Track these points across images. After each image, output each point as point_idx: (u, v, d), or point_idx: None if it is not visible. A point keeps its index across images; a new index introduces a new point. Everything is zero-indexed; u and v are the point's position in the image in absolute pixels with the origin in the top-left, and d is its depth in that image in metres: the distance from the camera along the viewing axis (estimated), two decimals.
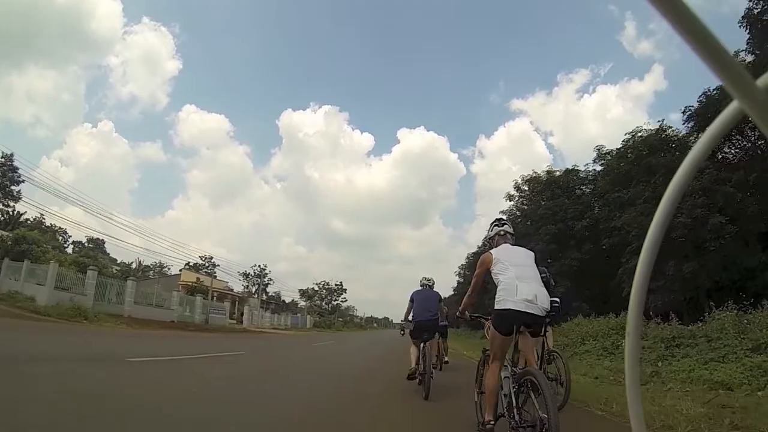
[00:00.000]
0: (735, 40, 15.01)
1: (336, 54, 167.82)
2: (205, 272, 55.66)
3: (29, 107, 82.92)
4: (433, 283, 6.61)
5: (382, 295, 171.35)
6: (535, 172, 26.16)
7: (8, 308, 13.29)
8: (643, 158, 17.23)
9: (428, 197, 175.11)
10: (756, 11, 14.61)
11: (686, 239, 14.09)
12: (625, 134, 19.60)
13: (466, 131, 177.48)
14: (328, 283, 74.82)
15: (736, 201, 14.51)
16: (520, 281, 3.20)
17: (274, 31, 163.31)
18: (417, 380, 5.67)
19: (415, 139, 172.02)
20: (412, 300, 6.27)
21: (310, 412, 4.41)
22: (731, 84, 0.35)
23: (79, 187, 71.26)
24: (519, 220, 25.43)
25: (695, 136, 16.20)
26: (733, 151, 16.63)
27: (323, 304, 72.54)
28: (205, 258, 57.60)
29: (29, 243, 21.42)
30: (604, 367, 9.35)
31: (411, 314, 6.16)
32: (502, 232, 3.76)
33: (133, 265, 50.41)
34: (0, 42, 59.02)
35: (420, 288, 6.48)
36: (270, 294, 62.82)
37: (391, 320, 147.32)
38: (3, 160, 26.80)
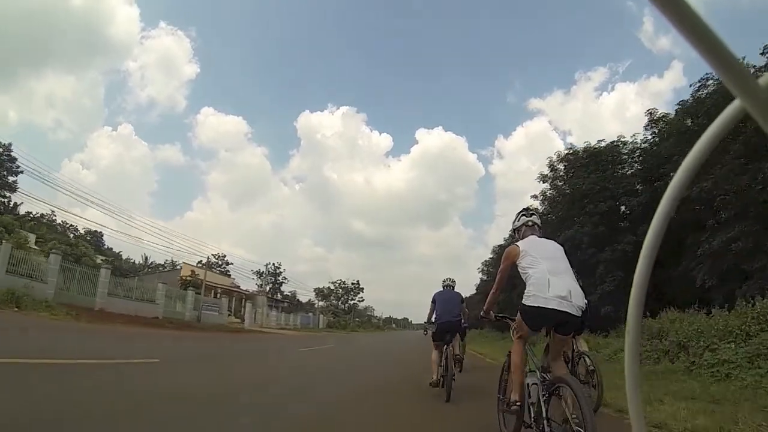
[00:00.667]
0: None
1: (353, 55, 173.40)
2: (219, 271, 55.71)
3: (50, 112, 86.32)
4: (455, 285, 6.68)
5: (401, 295, 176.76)
6: (572, 148, 22.06)
7: None
8: (722, 106, 13.01)
9: (447, 198, 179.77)
10: None
11: None
12: (691, 85, 16.35)
13: (485, 131, 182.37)
14: (344, 282, 73.95)
15: None
16: (552, 275, 2.99)
17: (292, 33, 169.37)
18: (440, 384, 5.58)
19: (433, 140, 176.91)
20: (434, 301, 6.37)
21: None
22: (733, 83, 0.35)
23: (99, 190, 71.56)
24: (558, 200, 23.48)
25: None
26: None
27: (339, 303, 68.72)
28: (219, 256, 57.24)
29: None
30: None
31: (434, 316, 6.23)
32: (530, 223, 3.52)
33: (138, 261, 47.67)
34: (19, 48, 60.96)
35: (442, 289, 6.55)
36: (285, 293, 62.79)
37: (411, 321, 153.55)
38: (0, 150, 24.89)
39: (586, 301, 3.43)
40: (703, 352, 7.77)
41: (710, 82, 14.98)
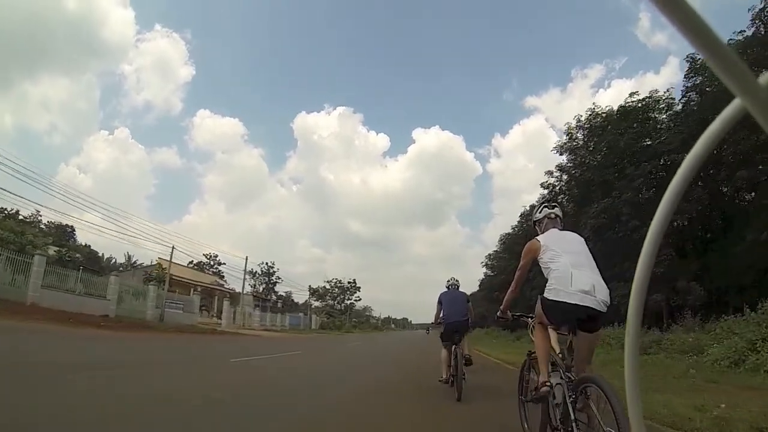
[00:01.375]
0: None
1: (349, 55, 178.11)
2: (212, 272, 54.87)
3: (45, 115, 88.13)
4: (459, 284, 6.90)
5: (399, 295, 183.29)
6: (596, 108, 18.66)
7: None
8: None
9: (444, 197, 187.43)
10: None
11: None
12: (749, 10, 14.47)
13: (482, 130, 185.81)
14: (340, 282, 69.36)
15: None
16: (575, 269, 2.89)
17: (287, 34, 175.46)
18: (450, 383, 5.99)
19: (430, 139, 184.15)
20: (440, 302, 6.54)
21: None
22: (733, 81, 0.36)
23: (97, 194, 69.44)
24: (579, 172, 21.69)
25: None
26: None
27: (335, 303, 65.21)
28: (210, 256, 56.59)
29: None
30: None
31: (441, 316, 6.42)
32: (552, 215, 3.41)
33: (121, 260, 49.19)
34: (14, 51, 60.98)
35: (446, 290, 6.77)
36: (280, 294, 62.22)
37: (410, 321, 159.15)
38: None
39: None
40: None
41: None
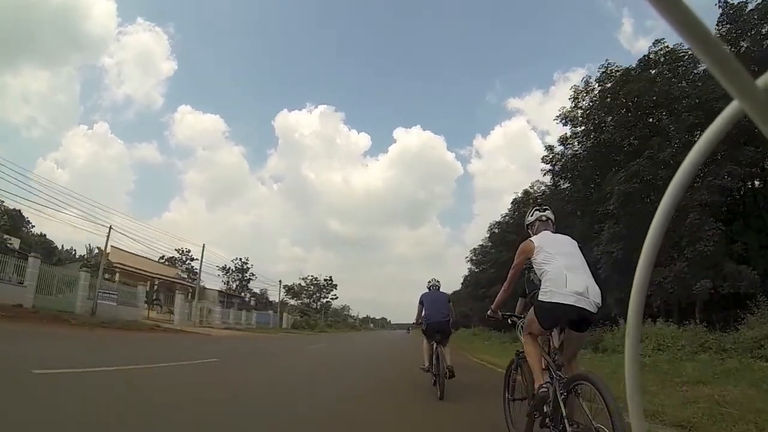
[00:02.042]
0: None
1: (331, 54, 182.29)
2: (186, 269, 52.80)
3: (24, 108, 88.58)
4: (440, 285, 7.17)
5: (379, 295, 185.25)
6: (609, 65, 16.13)
7: None
8: None
9: (425, 197, 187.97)
10: None
11: None
12: None
13: (463, 130, 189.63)
14: (316, 279, 65.22)
15: None
16: (569, 271, 3.01)
17: (270, 31, 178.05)
18: (432, 381, 6.27)
19: (411, 139, 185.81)
20: (421, 302, 6.80)
21: None
22: (731, 83, 0.36)
23: (75, 189, 68.60)
24: (590, 141, 19.26)
25: None
26: None
27: (311, 301, 61.78)
28: (183, 251, 52.88)
29: None
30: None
31: (422, 316, 6.69)
32: (543, 218, 3.57)
33: (82, 252, 44.80)
34: None
35: (428, 290, 7.03)
36: (254, 291, 60.09)
37: (389, 320, 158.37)
38: None
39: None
40: None
41: None
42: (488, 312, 3.97)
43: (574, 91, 20.42)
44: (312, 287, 70.44)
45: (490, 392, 5.91)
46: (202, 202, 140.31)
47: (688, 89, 15.14)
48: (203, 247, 34.66)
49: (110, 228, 22.63)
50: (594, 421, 2.46)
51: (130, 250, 36.34)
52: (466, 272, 47.76)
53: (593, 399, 2.51)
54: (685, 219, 12.90)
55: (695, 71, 15.60)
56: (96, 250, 41.35)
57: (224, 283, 56.08)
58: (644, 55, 17.21)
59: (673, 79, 16.15)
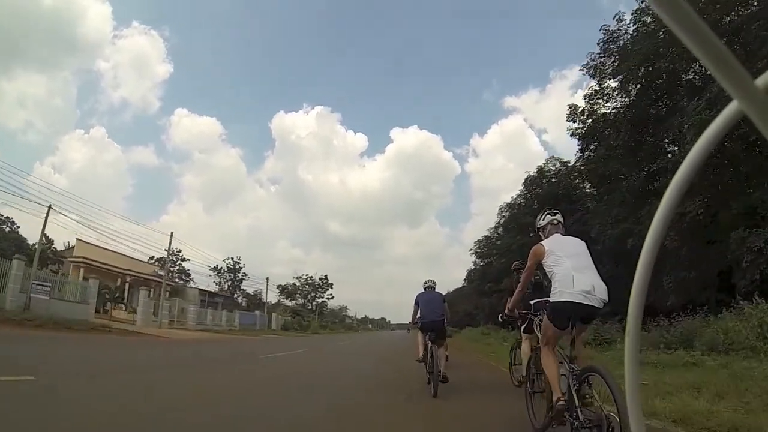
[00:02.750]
0: None
1: (328, 54, 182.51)
2: (179, 269, 50.44)
3: (20, 113, 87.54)
4: (436, 285, 7.44)
5: (379, 295, 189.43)
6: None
7: None
8: None
9: (423, 197, 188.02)
10: None
11: None
12: None
13: (460, 129, 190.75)
14: (311, 278, 61.45)
15: None
16: (576, 272, 3.29)
17: (265, 32, 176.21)
18: (426, 380, 6.46)
19: (408, 139, 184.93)
20: (417, 303, 7.05)
21: None
22: (730, 84, 0.37)
23: (72, 194, 71.49)
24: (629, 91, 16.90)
25: None
26: None
27: (306, 301, 58.84)
28: (174, 252, 49.04)
29: None
30: None
31: (418, 316, 6.98)
32: (555, 222, 3.83)
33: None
34: None
35: (423, 291, 7.30)
36: (247, 292, 56.98)
37: (389, 321, 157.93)
38: None
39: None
40: None
41: None
42: (505, 312, 4.40)
43: (604, 33, 16.76)
44: (307, 287, 68.91)
45: None
46: (200, 205, 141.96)
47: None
48: (170, 236, 32.22)
49: (49, 207, 18.99)
50: (604, 409, 2.81)
51: (98, 244, 32.88)
52: (471, 266, 44.97)
53: (603, 389, 2.86)
54: None
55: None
56: (68, 245, 37.97)
57: (216, 284, 54.71)
58: None
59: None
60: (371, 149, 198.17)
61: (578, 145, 20.64)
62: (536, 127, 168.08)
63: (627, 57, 16.37)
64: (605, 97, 18.66)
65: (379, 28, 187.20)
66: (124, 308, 28.50)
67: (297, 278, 67.49)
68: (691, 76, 15.26)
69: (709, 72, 0.38)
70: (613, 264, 14.70)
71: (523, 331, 5.81)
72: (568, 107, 19.74)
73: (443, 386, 6.08)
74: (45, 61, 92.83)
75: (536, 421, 3.82)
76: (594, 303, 3.12)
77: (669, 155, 14.98)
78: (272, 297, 62.73)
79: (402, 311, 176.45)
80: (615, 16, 17.52)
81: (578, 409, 2.93)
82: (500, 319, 4.89)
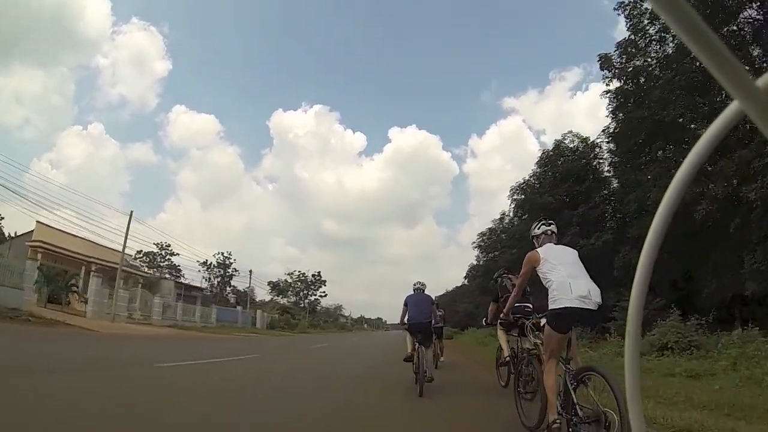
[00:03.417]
0: None
1: (326, 52, 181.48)
2: (168, 264, 48.98)
3: (18, 109, 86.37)
4: (425, 288, 7.60)
5: (375, 296, 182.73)
6: None
7: None
8: None
9: (421, 197, 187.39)
10: None
11: None
12: None
13: (459, 130, 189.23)
14: (304, 275, 57.88)
15: None
16: (572, 279, 3.49)
17: (265, 30, 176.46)
18: (414, 380, 6.63)
19: (406, 138, 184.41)
20: (405, 304, 7.22)
21: None
22: (731, 84, 0.37)
23: (70, 190, 73.24)
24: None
25: None
26: None
27: (298, 299, 55.40)
28: (162, 246, 48.69)
29: None
30: None
31: (406, 317, 7.18)
32: (549, 232, 4.06)
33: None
34: None
35: (413, 293, 7.46)
36: (238, 288, 54.36)
37: (385, 321, 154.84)
38: None
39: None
40: None
41: None
42: (501, 315, 4.84)
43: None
44: (299, 284, 67.00)
45: None
46: (197, 202, 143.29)
47: None
48: (130, 214, 28.70)
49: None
50: (601, 406, 2.95)
51: (63, 228, 29.54)
52: (474, 261, 41.48)
53: (598, 387, 3.05)
54: None
55: None
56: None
57: (205, 280, 53.34)
58: None
59: None
60: (369, 149, 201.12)
61: (609, 104, 18.53)
62: (535, 128, 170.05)
63: None
64: (646, 41, 16.48)
65: (378, 27, 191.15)
66: (78, 297, 25.01)
67: (289, 274, 65.94)
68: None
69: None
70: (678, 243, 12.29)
71: (516, 334, 6.18)
72: (598, 57, 17.74)
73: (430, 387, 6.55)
74: (43, 57, 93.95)
75: (526, 419, 4.08)
76: (590, 306, 3.33)
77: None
78: (264, 294, 62.83)
79: (399, 311, 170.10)
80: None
81: (576, 406, 3.14)
82: (484, 323, 6.06)
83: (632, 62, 17.38)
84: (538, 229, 4.05)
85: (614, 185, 23.95)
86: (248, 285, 54.96)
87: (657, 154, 17.17)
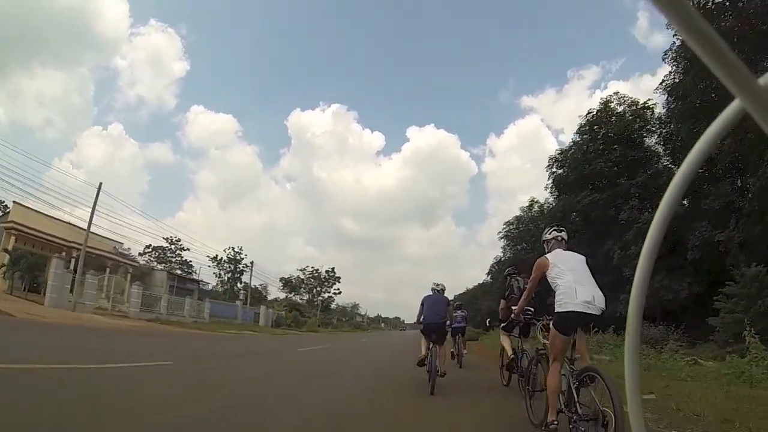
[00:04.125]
0: None
1: (345, 52, 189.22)
2: (178, 260, 47.48)
3: (39, 110, 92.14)
4: (443, 289, 7.86)
5: (393, 295, 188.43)
6: None
7: None
8: None
9: (439, 197, 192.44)
10: None
11: None
12: None
13: (477, 129, 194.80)
14: (317, 270, 55.99)
15: None
16: (578, 284, 3.72)
17: (282, 30, 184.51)
18: (427, 375, 6.94)
19: (425, 138, 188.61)
20: (422, 304, 7.59)
21: None
22: (733, 82, 0.38)
23: (90, 189, 61.98)
24: None
25: None
26: None
27: (311, 296, 53.59)
28: (172, 240, 47.54)
29: None
30: None
31: (422, 317, 7.53)
32: (559, 238, 4.30)
33: None
34: (8, 44, 62.84)
35: (430, 293, 7.81)
36: (253, 286, 51.53)
37: (403, 320, 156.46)
38: None
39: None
40: None
41: None
42: (512, 316, 5.06)
43: None
44: (312, 280, 65.57)
45: None
46: (215, 201, 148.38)
47: None
48: (99, 186, 25.19)
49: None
50: (601, 405, 3.13)
51: (42, 211, 26.96)
52: (500, 253, 39.05)
53: (599, 388, 3.21)
54: None
55: None
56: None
57: (215, 275, 52.58)
58: None
59: None
60: (387, 148, 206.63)
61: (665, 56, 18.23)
62: (553, 127, 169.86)
63: None
64: None
65: (395, 26, 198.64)
66: (39, 289, 22.98)
67: (301, 270, 63.64)
68: None
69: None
70: None
71: (517, 335, 6.92)
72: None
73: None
74: (63, 58, 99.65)
75: (534, 417, 4.39)
76: (594, 311, 3.54)
77: None
78: (276, 292, 61.93)
79: (417, 311, 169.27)
80: None
81: (577, 404, 3.37)
82: (487, 324, 6.14)
83: None
84: (549, 234, 4.29)
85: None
86: (250, 278, 53.40)
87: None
